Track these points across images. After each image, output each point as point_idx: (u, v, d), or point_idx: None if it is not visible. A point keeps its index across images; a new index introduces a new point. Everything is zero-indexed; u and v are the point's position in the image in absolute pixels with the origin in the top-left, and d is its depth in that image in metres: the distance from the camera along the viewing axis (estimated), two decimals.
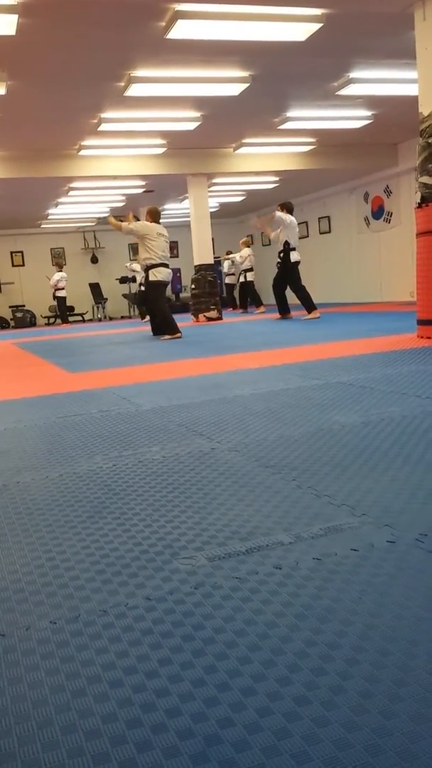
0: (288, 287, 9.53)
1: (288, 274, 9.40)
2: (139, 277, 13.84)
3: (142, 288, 13.99)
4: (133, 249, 18.99)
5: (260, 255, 17.29)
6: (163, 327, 7.96)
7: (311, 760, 0.82)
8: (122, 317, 18.72)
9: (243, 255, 14.07)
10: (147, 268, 8.02)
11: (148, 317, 13.82)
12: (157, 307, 8.15)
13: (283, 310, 9.79)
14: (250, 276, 14.09)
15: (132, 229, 7.98)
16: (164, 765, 0.83)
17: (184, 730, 0.90)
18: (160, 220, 8.42)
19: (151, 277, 7.94)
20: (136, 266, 13.77)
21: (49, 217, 16.15)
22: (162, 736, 0.89)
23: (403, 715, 0.89)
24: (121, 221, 8.43)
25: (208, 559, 1.45)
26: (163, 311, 8.04)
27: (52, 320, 18.21)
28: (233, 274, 16.44)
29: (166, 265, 8.04)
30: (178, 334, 7.84)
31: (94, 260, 19.17)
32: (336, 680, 0.98)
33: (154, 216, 8.30)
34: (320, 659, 1.04)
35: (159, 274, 7.93)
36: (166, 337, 7.86)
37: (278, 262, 9.56)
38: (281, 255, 9.47)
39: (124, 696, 0.99)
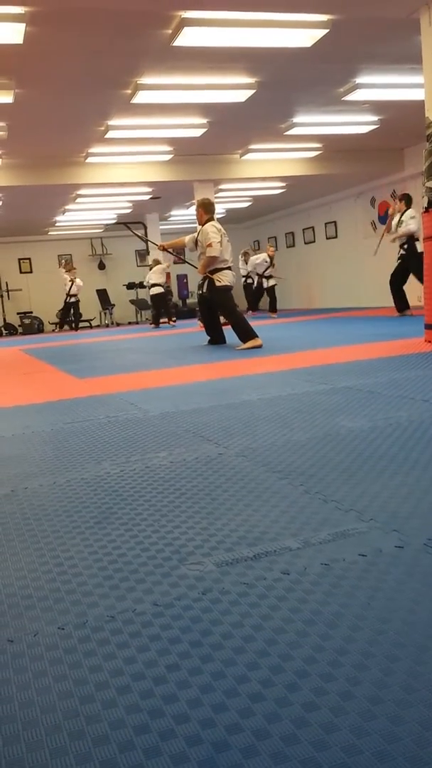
0: (404, 281, 9.20)
1: (413, 264, 8.79)
2: (155, 286, 13.72)
3: (154, 292, 13.92)
4: (140, 255, 19.05)
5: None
6: (241, 334, 6.81)
7: (320, 766, 0.81)
8: (129, 323, 18.77)
9: (258, 259, 13.81)
10: (211, 272, 7.01)
11: (168, 322, 13.84)
12: (229, 312, 7.04)
13: (402, 306, 9.41)
14: (272, 281, 13.66)
15: (217, 250, 6.84)
16: None
17: (192, 736, 0.89)
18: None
19: (218, 282, 6.96)
20: (154, 277, 13.62)
21: (57, 224, 16.21)
22: (170, 742, 0.89)
23: (412, 721, 0.88)
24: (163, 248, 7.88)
25: (215, 564, 1.45)
26: (237, 316, 7.02)
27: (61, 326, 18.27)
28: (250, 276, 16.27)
29: (230, 268, 7.10)
30: (259, 341, 6.65)
31: (102, 266, 19.24)
32: (345, 686, 0.98)
33: (211, 211, 7.18)
34: (329, 665, 1.03)
35: (225, 278, 6.97)
36: (245, 345, 6.67)
37: (402, 255, 9.13)
38: (405, 247, 9.07)
39: (132, 702, 0.99)
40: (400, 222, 9.08)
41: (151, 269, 13.84)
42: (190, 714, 0.94)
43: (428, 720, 0.88)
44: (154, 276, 13.44)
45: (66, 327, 16.49)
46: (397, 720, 0.89)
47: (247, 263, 15.75)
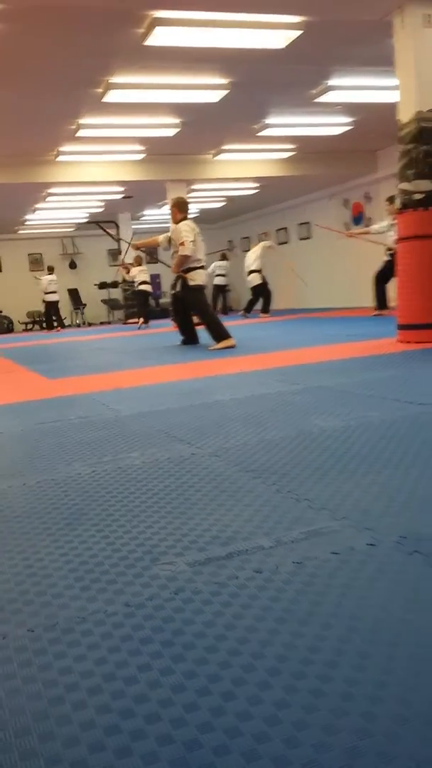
0: (387, 280, 9.21)
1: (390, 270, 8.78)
2: (143, 283, 13.55)
3: (139, 289, 13.75)
4: (112, 255, 18.96)
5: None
6: (214, 334, 6.77)
7: (291, 764, 0.81)
8: (101, 323, 18.67)
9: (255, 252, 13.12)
10: (184, 271, 6.99)
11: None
12: (202, 312, 7.03)
13: (380, 305, 9.51)
14: (258, 279, 12.98)
15: (190, 248, 6.84)
16: None
17: (163, 736, 0.89)
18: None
19: (191, 282, 6.94)
20: (138, 274, 13.47)
21: (27, 223, 16.06)
22: (141, 742, 0.88)
23: (383, 717, 0.89)
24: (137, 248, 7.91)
25: (188, 564, 1.44)
26: (211, 316, 6.96)
27: (30, 326, 18.09)
28: (224, 275, 16.13)
29: (203, 267, 7.14)
30: (232, 341, 6.64)
31: (73, 266, 19.11)
32: (316, 683, 0.98)
33: (185, 210, 7.15)
34: (300, 663, 1.03)
35: (198, 278, 6.98)
36: (218, 346, 6.62)
37: (391, 255, 8.92)
38: (389, 253, 9.04)
39: (103, 703, 0.98)
40: (392, 225, 9.09)
41: (128, 270, 13.75)
42: (162, 713, 0.94)
43: (399, 716, 0.89)
44: (141, 274, 13.40)
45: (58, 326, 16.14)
46: (368, 716, 0.89)
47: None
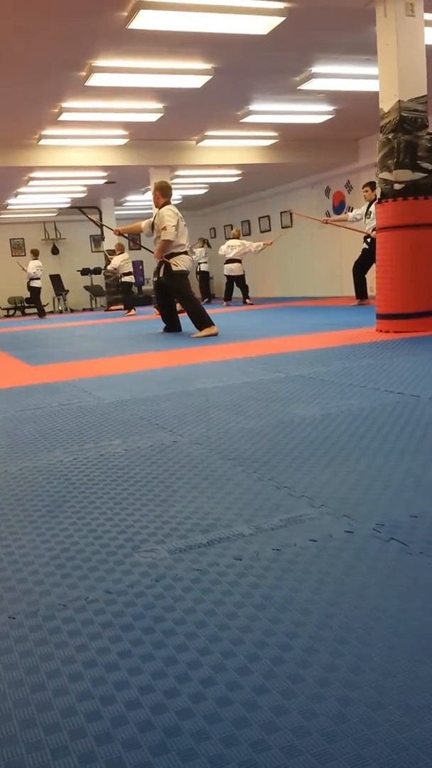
0: (366, 270, 9.20)
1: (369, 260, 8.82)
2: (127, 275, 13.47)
3: (123, 279, 13.68)
4: (95, 241, 18.81)
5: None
6: (197, 322, 6.74)
7: (270, 749, 0.83)
8: (84, 309, 18.55)
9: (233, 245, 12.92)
10: (167, 256, 6.85)
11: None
12: (185, 299, 6.95)
13: (361, 294, 9.50)
14: (238, 269, 12.85)
15: (172, 233, 6.73)
16: (123, 757, 0.84)
17: (143, 722, 0.90)
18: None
19: (174, 267, 6.81)
20: (123, 264, 13.38)
21: (9, 207, 15.87)
22: (121, 728, 0.89)
23: (359, 703, 0.91)
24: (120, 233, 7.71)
25: (169, 551, 1.45)
26: (194, 303, 6.91)
27: (12, 312, 17.91)
28: (207, 262, 16.16)
29: (186, 253, 7.01)
30: (215, 329, 6.63)
31: (55, 251, 18.93)
32: (294, 669, 0.99)
33: (168, 194, 7.02)
34: (279, 648, 1.05)
35: (182, 263, 6.85)
36: (200, 333, 6.60)
37: (369, 244, 9.02)
38: (368, 240, 9.07)
39: (84, 689, 0.99)
40: (368, 212, 9.09)
41: (111, 256, 13.65)
42: (142, 700, 0.95)
43: (375, 702, 0.91)
44: (126, 265, 13.35)
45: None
46: (344, 702, 0.91)
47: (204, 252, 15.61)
